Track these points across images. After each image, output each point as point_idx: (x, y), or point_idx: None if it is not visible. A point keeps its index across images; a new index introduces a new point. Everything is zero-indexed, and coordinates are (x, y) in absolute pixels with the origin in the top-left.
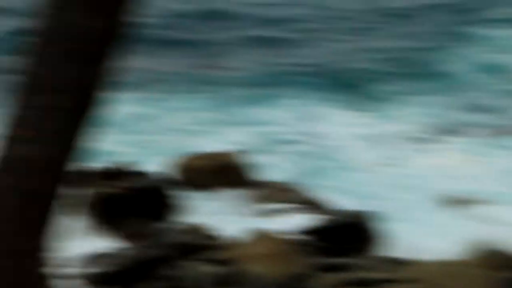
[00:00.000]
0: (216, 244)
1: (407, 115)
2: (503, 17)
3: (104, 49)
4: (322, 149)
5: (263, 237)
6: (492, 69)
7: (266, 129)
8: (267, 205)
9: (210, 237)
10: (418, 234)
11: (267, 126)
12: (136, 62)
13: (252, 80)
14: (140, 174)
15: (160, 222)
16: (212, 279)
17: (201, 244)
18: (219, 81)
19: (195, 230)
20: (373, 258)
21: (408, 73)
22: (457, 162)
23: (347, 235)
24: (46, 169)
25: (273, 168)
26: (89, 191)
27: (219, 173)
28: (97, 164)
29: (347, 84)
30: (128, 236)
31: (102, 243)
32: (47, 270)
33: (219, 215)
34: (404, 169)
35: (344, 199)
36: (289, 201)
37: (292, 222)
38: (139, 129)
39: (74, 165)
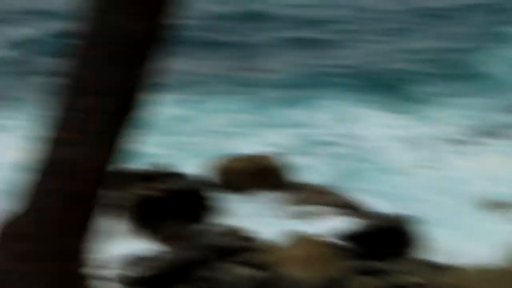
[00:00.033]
0: (254, 246)
1: (445, 117)
2: None
3: (146, 52)
4: (360, 151)
5: (300, 240)
6: None
7: (303, 131)
8: (304, 207)
9: (248, 239)
10: (456, 238)
11: (305, 128)
12: (176, 64)
13: (290, 81)
14: (178, 176)
15: (198, 224)
16: (249, 282)
17: (239, 246)
18: (257, 83)
19: (233, 233)
20: (411, 262)
21: (446, 74)
22: (497, 165)
23: (385, 239)
24: (89, 171)
25: (311, 170)
26: (128, 193)
27: (257, 175)
28: (136, 166)
29: (385, 86)
30: (166, 238)
31: (141, 245)
32: (87, 271)
33: (256, 217)
34: (443, 171)
35: (382, 202)
36: (327, 204)
37: (329, 225)
38: (178, 131)
39: (115, 167)
